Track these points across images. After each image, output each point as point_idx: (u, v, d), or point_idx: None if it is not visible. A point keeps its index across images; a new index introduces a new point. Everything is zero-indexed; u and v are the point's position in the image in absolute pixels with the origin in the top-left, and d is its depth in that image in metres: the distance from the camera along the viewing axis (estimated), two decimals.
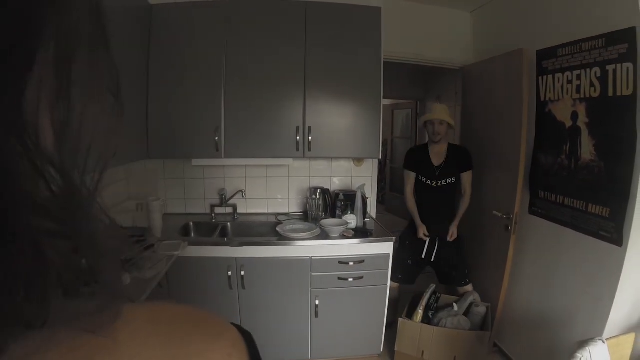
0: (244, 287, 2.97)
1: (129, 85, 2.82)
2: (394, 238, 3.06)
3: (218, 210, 3.70)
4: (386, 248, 3.05)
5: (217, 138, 3.11)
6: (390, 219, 7.65)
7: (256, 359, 0.41)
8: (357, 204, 3.31)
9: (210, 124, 3.12)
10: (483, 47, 3.77)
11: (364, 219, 3.40)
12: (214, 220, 3.59)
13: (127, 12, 2.72)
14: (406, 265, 3.53)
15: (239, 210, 3.73)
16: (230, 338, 0.39)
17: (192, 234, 3.50)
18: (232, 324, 0.41)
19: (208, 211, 3.72)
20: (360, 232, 3.13)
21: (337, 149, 3.28)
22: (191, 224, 3.54)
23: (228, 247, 2.94)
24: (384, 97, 7.16)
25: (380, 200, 8.66)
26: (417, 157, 3.51)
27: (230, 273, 2.93)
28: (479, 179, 3.50)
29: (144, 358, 0.32)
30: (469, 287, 3.49)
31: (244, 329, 0.42)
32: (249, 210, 3.80)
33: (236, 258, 2.93)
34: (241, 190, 3.63)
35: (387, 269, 3.07)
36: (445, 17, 3.88)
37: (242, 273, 2.93)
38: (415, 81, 6.64)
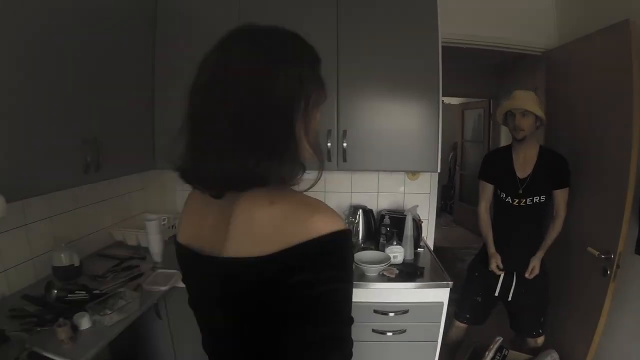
0: None
1: (135, 88, 2.43)
2: (450, 283, 2.29)
3: None
4: (440, 295, 2.30)
5: None
6: (459, 232, 6.97)
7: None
8: (407, 231, 2.57)
9: None
10: (570, 25, 2.89)
11: (415, 249, 2.67)
12: None
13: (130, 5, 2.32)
14: (475, 303, 2.81)
15: None
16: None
17: None
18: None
19: None
20: (407, 272, 2.38)
21: (381, 158, 2.58)
22: None
23: None
24: (452, 95, 6.83)
25: (448, 210, 8.33)
26: (497, 165, 2.73)
27: None
28: (569, 201, 2.63)
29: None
30: (541, 340, 2.74)
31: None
32: None
33: None
34: None
35: (439, 321, 2.32)
36: None
37: None
38: (487, 76, 5.94)
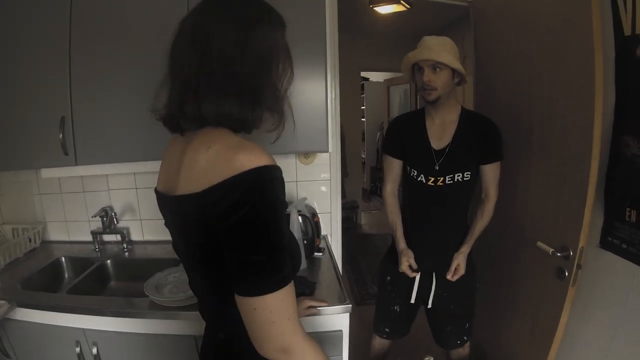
0: None
1: None
2: (350, 307, 1.70)
3: (107, 237, 2.56)
4: (338, 322, 1.73)
5: (61, 135, 1.93)
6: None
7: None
8: (294, 233, 1.93)
9: (53, 113, 1.95)
10: None
11: (312, 254, 2.10)
12: (98, 252, 2.46)
13: None
14: (393, 314, 2.25)
15: (135, 237, 2.59)
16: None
17: (66, 275, 2.41)
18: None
19: (92, 238, 2.53)
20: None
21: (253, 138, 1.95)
22: (63, 260, 2.42)
23: (69, 315, 1.82)
24: (374, 69, 6.60)
25: (379, 193, 8.21)
26: (406, 134, 2.11)
27: (78, 349, 1.85)
28: (509, 181, 2.11)
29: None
30: (467, 346, 2.26)
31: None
32: (147, 237, 2.61)
33: (84, 330, 1.84)
34: (111, 211, 2.49)
35: (341, 354, 1.76)
36: None
37: (95, 351, 1.84)
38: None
